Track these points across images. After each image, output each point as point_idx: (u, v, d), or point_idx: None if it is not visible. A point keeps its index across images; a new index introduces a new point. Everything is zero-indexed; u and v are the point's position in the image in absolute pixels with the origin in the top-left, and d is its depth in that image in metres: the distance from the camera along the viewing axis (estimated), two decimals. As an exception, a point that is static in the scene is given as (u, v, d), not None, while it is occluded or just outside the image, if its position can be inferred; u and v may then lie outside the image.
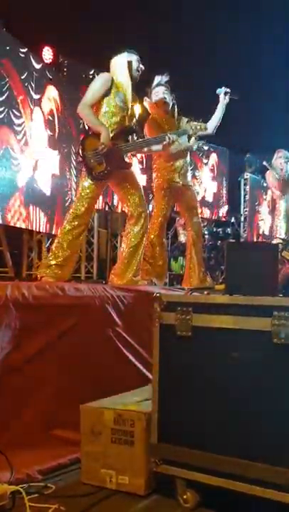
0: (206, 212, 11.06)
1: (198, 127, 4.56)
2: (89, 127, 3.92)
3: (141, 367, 3.00)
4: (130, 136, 3.93)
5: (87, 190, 3.73)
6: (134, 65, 3.89)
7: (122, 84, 3.81)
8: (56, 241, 3.78)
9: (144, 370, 2.96)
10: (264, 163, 7.71)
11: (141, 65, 3.93)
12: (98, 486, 2.08)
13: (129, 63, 3.85)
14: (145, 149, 4.48)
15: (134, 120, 4.01)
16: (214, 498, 1.92)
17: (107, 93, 3.76)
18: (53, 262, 3.64)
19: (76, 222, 3.70)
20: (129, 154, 4.07)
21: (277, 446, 1.77)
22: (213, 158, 11.58)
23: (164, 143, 4.21)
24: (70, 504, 1.89)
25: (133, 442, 2.06)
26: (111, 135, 3.70)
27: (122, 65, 3.85)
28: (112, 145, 3.69)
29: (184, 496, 1.93)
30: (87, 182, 3.74)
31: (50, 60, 7.43)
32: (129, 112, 3.87)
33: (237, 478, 1.81)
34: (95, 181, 3.72)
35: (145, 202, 4.09)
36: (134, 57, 3.91)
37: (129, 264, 3.90)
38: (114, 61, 3.89)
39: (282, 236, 7.12)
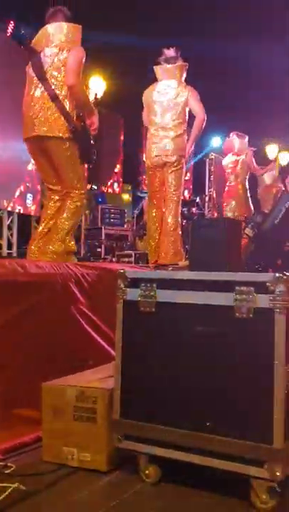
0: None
1: None
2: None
3: (105, 344, 2.98)
4: None
5: None
6: None
7: None
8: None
9: (108, 348, 2.94)
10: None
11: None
12: (60, 464, 2.06)
13: None
14: None
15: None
16: (176, 473, 1.93)
17: None
18: None
19: None
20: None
21: (240, 419, 1.78)
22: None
23: None
24: (31, 483, 1.86)
25: (95, 419, 2.04)
26: None
27: None
28: None
29: (146, 471, 1.93)
30: None
31: (10, 33, 7.25)
32: None
33: (199, 452, 1.82)
34: None
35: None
36: None
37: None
38: None
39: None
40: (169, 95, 4.89)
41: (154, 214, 5.06)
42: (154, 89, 5.01)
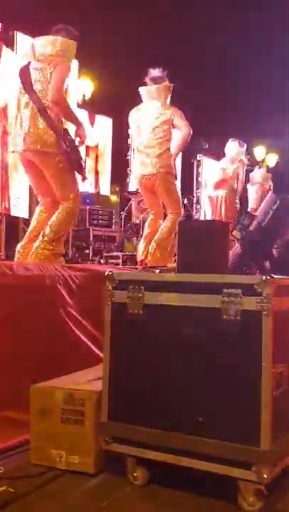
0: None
1: None
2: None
3: (93, 346, 2.98)
4: None
5: None
6: None
7: None
8: None
9: (96, 350, 2.94)
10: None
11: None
12: (48, 467, 2.05)
13: None
14: None
15: None
16: (164, 475, 1.93)
17: None
18: None
19: None
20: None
21: (228, 421, 1.79)
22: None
23: None
24: (20, 485, 1.86)
25: (83, 421, 2.04)
26: None
27: None
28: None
29: (134, 474, 1.94)
30: None
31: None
32: None
33: (187, 455, 1.83)
34: None
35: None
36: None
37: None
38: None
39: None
40: (153, 116, 4.98)
41: (150, 219, 5.21)
42: (140, 110, 5.12)
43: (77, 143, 3.80)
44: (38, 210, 3.99)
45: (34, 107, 3.64)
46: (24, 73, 3.74)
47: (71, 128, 3.85)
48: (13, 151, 3.85)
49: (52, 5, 3.76)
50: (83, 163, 3.86)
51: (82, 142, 3.86)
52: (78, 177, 3.88)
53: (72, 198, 3.78)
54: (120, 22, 9.12)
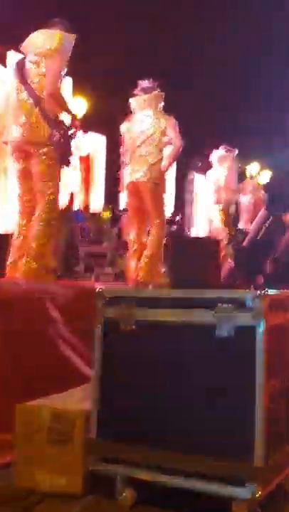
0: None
1: None
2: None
3: (81, 364, 2.92)
4: None
5: None
6: None
7: None
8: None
9: (85, 368, 2.88)
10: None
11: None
12: (33, 489, 1.97)
13: None
14: None
15: None
16: (152, 494, 1.86)
17: None
18: None
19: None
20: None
21: (221, 439, 1.73)
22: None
23: None
24: (3, 509, 1.79)
25: (70, 442, 1.97)
26: None
27: None
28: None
29: (123, 494, 1.87)
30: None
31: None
32: None
33: (178, 473, 1.77)
34: None
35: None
36: None
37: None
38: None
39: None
40: (145, 125, 4.96)
41: (134, 234, 5.13)
42: (132, 120, 5.09)
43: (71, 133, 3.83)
44: (19, 219, 3.88)
45: (29, 99, 3.67)
46: (20, 66, 3.78)
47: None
48: (5, 142, 3.86)
49: (45, 22, 3.79)
50: (71, 158, 3.88)
51: (75, 133, 3.91)
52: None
53: (52, 192, 3.72)
54: (115, 35, 9.19)
